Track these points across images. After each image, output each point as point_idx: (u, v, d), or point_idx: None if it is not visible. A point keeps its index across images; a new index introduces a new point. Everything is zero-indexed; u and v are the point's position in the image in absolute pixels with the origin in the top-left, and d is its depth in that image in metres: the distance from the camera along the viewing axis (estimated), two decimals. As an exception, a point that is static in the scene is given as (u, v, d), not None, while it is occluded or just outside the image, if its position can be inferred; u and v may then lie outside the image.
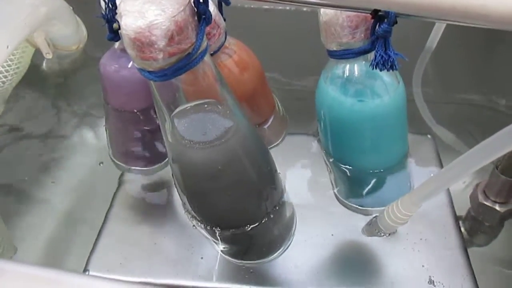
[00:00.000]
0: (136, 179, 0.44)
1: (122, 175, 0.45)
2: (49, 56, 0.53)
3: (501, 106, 0.49)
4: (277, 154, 0.33)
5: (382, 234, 0.34)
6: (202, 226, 0.32)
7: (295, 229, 0.37)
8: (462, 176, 0.27)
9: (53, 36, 0.52)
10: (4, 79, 0.49)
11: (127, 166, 0.42)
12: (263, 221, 0.32)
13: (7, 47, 0.22)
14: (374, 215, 0.35)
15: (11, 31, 0.23)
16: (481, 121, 0.47)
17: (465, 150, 0.25)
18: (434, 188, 0.29)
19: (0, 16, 0.23)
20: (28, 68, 0.53)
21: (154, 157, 0.41)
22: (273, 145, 0.43)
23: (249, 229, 0.31)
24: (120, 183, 0.44)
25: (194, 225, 0.33)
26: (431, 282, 0.35)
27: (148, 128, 0.40)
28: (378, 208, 0.36)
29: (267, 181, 0.31)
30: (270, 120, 0.43)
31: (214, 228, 0.31)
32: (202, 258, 0.38)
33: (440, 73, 0.52)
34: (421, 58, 0.51)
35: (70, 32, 0.51)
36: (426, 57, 0.50)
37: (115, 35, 0.26)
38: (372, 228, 0.34)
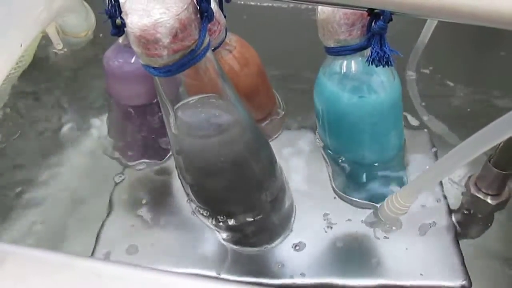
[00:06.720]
0: (138, 172, 0.45)
1: (123, 168, 0.45)
2: (60, 47, 0.54)
3: (494, 99, 0.49)
4: (276, 147, 0.34)
5: (387, 226, 0.36)
6: (205, 215, 0.32)
7: (294, 219, 0.38)
8: (456, 167, 0.28)
9: (63, 23, 0.52)
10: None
11: (126, 159, 0.43)
12: (264, 210, 0.32)
13: (21, 45, 0.23)
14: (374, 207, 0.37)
15: (25, 28, 0.24)
16: (475, 115, 0.48)
17: (459, 143, 0.26)
18: (430, 179, 0.30)
19: (13, 13, 0.23)
20: (33, 56, 0.53)
21: (154, 152, 0.42)
22: (272, 139, 0.44)
23: (251, 217, 0.32)
24: (121, 175, 0.45)
25: (194, 213, 0.33)
26: (423, 273, 0.36)
27: (149, 123, 0.40)
28: (375, 203, 0.37)
29: (268, 172, 0.32)
30: (271, 115, 0.44)
31: (217, 217, 0.32)
32: (204, 247, 0.38)
33: (433, 67, 0.52)
34: (414, 52, 0.51)
35: (80, 21, 0.51)
36: (419, 52, 0.51)
37: (119, 30, 0.26)
38: (374, 219, 0.36)
